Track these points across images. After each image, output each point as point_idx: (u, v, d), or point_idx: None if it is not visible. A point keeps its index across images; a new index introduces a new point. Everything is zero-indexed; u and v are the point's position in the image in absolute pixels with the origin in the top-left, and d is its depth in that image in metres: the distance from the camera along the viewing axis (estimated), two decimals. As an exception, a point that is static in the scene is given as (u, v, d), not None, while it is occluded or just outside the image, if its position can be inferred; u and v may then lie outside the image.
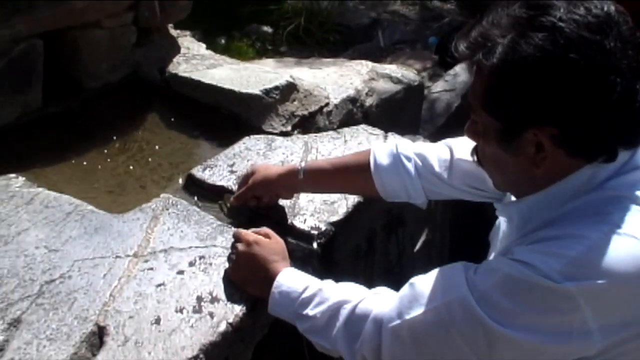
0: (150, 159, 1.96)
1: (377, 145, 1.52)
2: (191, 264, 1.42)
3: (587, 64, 0.98)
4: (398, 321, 1.12)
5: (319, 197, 1.70)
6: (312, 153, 1.89)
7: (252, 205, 1.62)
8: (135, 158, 1.96)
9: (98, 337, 1.24)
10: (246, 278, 1.37)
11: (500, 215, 1.28)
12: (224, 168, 1.78)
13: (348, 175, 1.54)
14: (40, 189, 1.62)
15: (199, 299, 1.34)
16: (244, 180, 1.63)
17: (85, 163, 1.90)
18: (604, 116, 1.01)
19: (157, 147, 2.03)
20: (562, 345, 1.01)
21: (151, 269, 1.40)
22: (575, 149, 1.04)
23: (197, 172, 1.77)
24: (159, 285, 1.36)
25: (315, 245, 1.57)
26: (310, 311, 1.24)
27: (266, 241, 1.39)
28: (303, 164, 1.57)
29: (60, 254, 1.41)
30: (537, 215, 1.10)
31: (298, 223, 1.61)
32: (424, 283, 1.15)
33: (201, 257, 1.45)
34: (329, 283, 1.28)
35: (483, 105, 1.08)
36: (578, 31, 0.99)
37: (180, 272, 1.40)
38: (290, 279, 1.31)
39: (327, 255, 1.61)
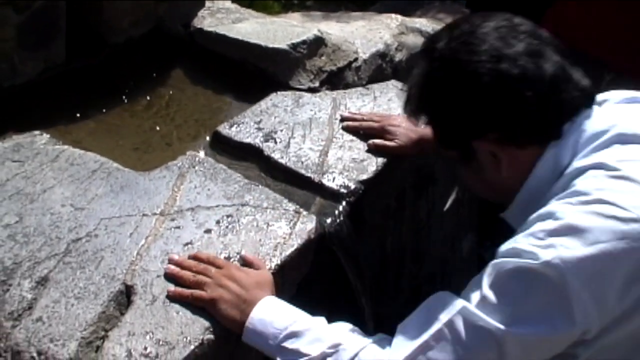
0: (175, 116, 1.94)
1: None
2: (218, 223, 1.41)
3: (481, 71, 1.09)
4: (401, 357, 1.07)
5: (347, 155, 1.68)
6: (340, 110, 1.86)
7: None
8: (160, 115, 1.94)
9: (126, 296, 1.24)
10: (222, 298, 1.21)
11: None
12: (250, 125, 1.76)
13: None
14: (65, 147, 1.61)
15: (227, 258, 1.33)
16: (372, 127, 1.71)
17: (109, 120, 1.88)
18: (526, 106, 1.09)
19: (182, 103, 2.00)
20: (568, 333, 1.01)
21: (178, 227, 1.39)
22: (520, 140, 1.13)
23: (224, 129, 1.74)
24: (187, 244, 1.35)
25: (344, 204, 1.55)
26: (301, 346, 1.12)
27: (252, 270, 1.29)
28: None
29: (86, 212, 1.40)
30: (530, 212, 1.10)
31: (327, 182, 1.58)
32: (415, 319, 1.12)
33: (229, 216, 1.43)
34: (322, 321, 1.17)
35: (437, 142, 1.24)
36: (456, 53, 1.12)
37: (208, 231, 1.39)
38: (276, 307, 1.20)
39: (356, 214, 1.58)
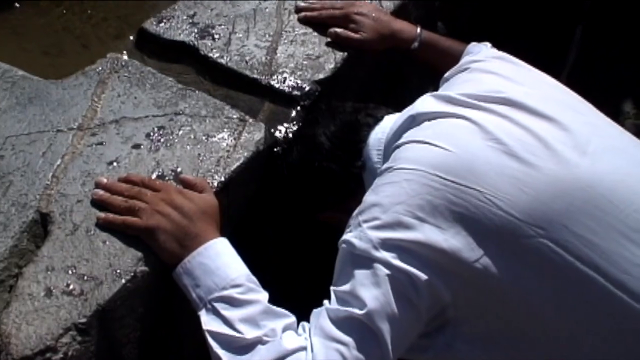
0: (92, 12, 1.86)
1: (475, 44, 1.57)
2: (149, 136, 1.36)
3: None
4: None
5: (300, 51, 1.61)
6: (289, -1, 1.78)
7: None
8: (74, 11, 1.86)
9: (41, 226, 1.19)
10: (160, 226, 1.16)
11: None
12: (183, 19, 1.67)
13: (446, 57, 1.57)
14: (-42, 53, 1.52)
15: (161, 176, 1.27)
16: (333, 15, 1.66)
17: (12, 20, 1.80)
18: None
19: (100, -4, 1.94)
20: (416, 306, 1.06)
21: (101, 143, 1.33)
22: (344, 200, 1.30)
23: (151, 25, 1.65)
24: (111, 162, 1.29)
25: (298, 108, 1.50)
26: (234, 320, 1.09)
27: (195, 195, 1.23)
28: (419, 31, 1.63)
29: (-13, 130, 1.34)
30: None
31: (276, 83, 1.53)
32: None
33: (161, 128, 1.38)
34: (265, 299, 1.13)
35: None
36: None
37: (136, 147, 1.33)
38: (223, 256, 1.16)
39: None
